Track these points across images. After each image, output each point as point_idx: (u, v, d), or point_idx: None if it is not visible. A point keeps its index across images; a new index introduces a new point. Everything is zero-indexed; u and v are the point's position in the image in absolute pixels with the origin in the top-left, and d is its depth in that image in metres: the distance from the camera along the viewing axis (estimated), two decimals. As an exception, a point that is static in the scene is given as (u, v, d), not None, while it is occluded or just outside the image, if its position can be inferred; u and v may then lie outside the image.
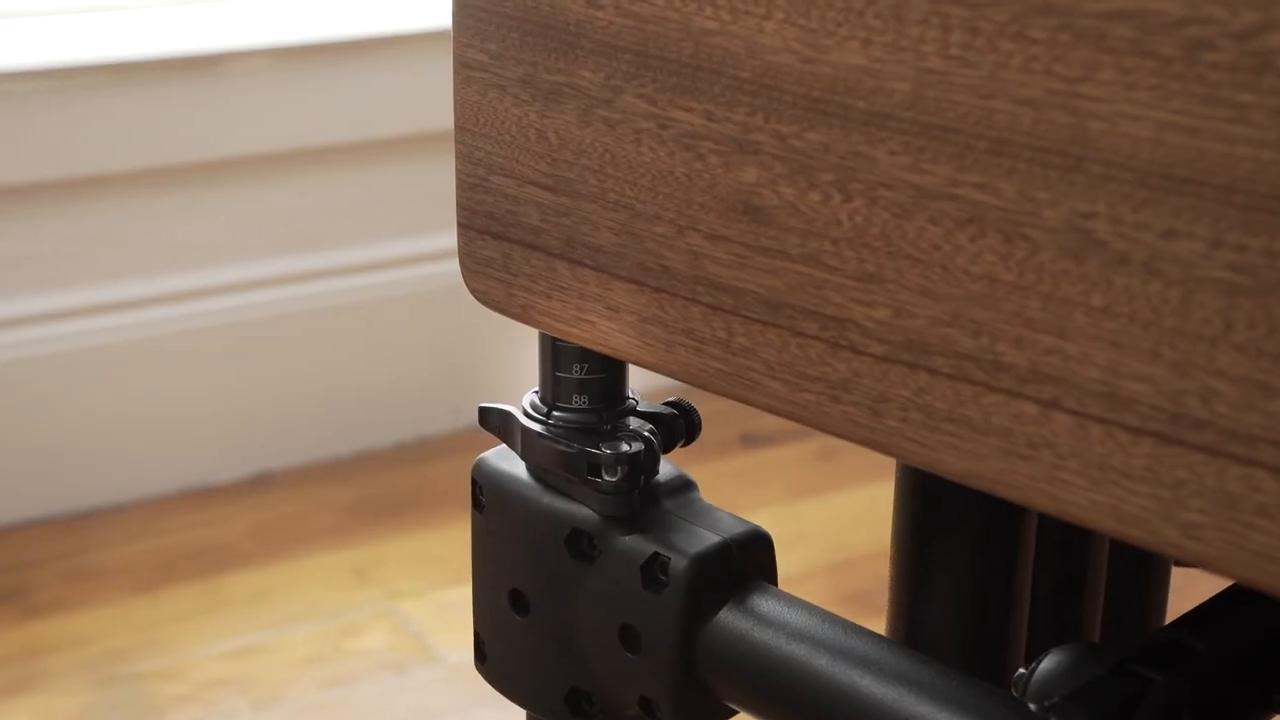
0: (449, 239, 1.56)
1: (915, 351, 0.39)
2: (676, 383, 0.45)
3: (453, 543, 1.40)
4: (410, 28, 1.49)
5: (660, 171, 0.43)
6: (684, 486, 0.50)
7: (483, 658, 0.54)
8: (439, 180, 1.54)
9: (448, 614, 1.30)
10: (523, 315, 0.47)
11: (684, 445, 0.51)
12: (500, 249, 0.48)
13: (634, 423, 0.49)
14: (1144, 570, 0.59)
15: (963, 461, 0.39)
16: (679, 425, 0.50)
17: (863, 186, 0.39)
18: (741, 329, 0.42)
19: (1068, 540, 0.55)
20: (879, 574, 1.43)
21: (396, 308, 1.54)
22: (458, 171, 0.48)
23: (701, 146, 0.42)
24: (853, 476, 1.51)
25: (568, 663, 0.50)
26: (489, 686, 1.33)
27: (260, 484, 1.49)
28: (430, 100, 1.50)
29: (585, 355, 0.48)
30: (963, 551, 0.51)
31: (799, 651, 0.45)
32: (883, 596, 1.53)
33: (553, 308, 0.47)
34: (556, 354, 0.49)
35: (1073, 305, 0.36)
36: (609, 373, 0.49)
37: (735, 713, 0.49)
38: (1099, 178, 0.35)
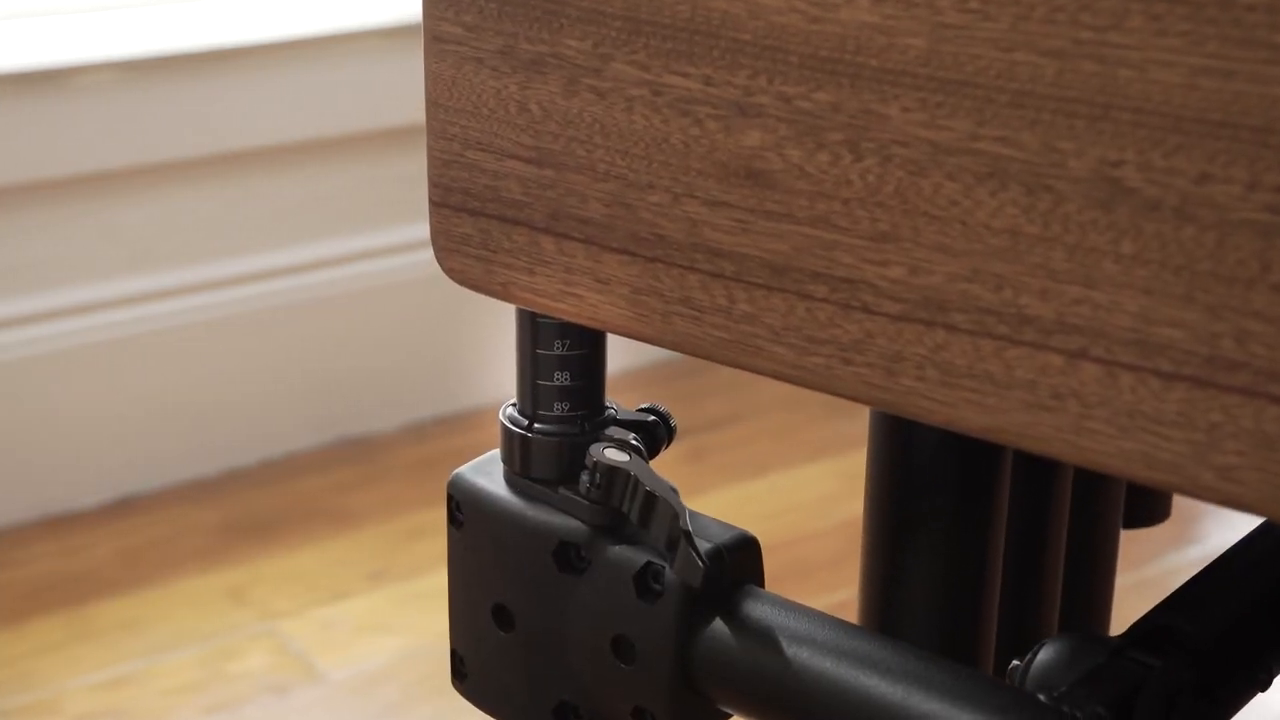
0: (306, 253, 1.53)
1: (932, 309, 0.39)
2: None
3: (328, 559, 1.37)
4: (261, 38, 1.46)
5: (654, 139, 0.42)
6: None
7: (461, 676, 0.53)
8: (293, 195, 1.51)
9: (329, 632, 1.28)
10: (503, 293, 0.46)
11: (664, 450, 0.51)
12: (478, 225, 0.46)
13: (617, 432, 0.49)
14: (1094, 558, 0.60)
15: (984, 417, 0.39)
16: (660, 431, 0.50)
17: (875, 145, 0.39)
18: (744, 295, 0.42)
19: (1027, 530, 0.55)
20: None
21: (254, 323, 1.51)
22: (429, 148, 0.47)
23: (699, 112, 0.41)
24: (722, 477, 1.52)
25: (555, 676, 0.49)
26: (376, 703, 1.29)
27: (123, 508, 1.44)
28: (285, 112, 1.48)
29: (565, 332, 0.47)
30: (935, 543, 0.51)
31: (801, 654, 0.45)
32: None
33: (536, 283, 0.46)
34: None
35: (1101, 254, 0.36)
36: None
37: (728, 716, 0.49)
38: (1128, 125, 0.35)
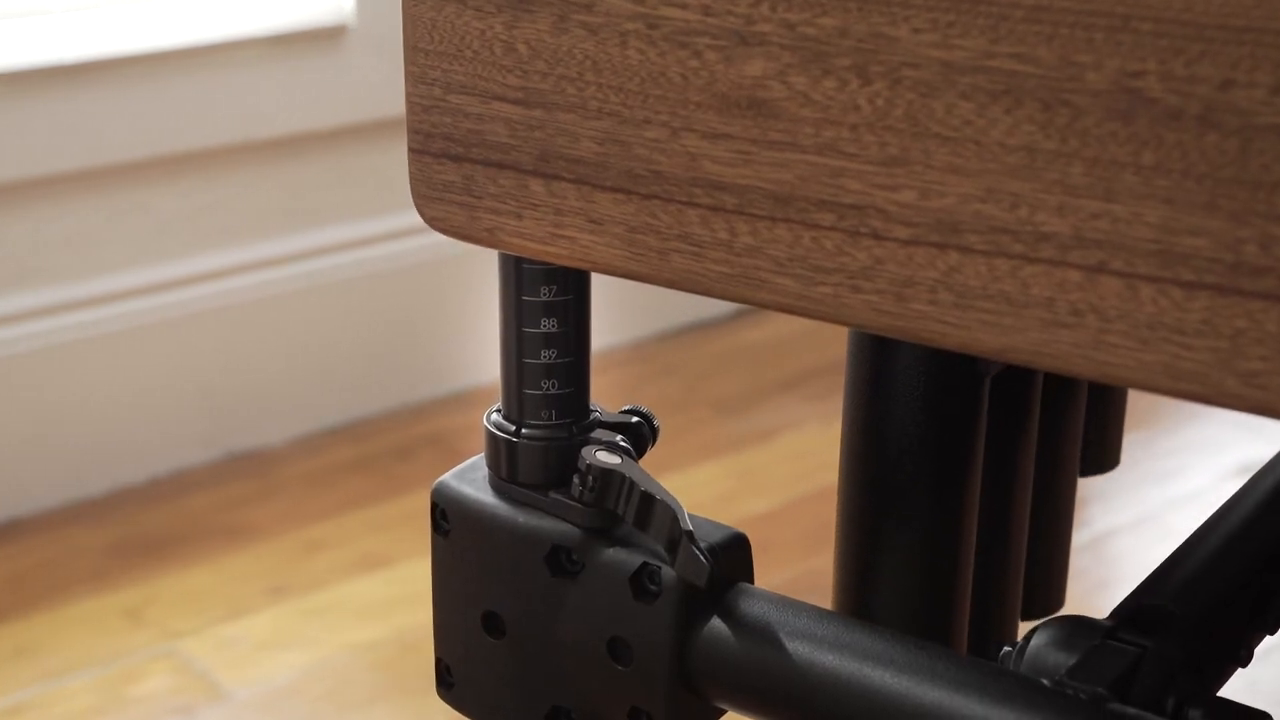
0: (185, 266, 1.49)
1: (945, 231, 0.39)
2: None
3: (225, 576, 1.34)
4: (137, 49, 1.42)
5: (650, 73, 0.42)
6: None
7: (448, 685, 0.52)
8: (171, 208, 1.48)
9: (230, 649, 1.24)
10: (489, 239, 0.45)
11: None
12: (461, 171, 0.45)
13: (604, 434, 0.48)
14: (1050, 521, 0.61)
15: (999, 338, 0.39)
16: (645, 431, 0.50)
17: (884, 68, 0.38)
18: (746, 228, 0.41)
19: (991, 521, 0.56)
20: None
21: (135, 337, 1.47)
22: (408, 95, 0.46)
23: (698, 43, 0.41)
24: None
25: (548, 681, 0.49)
26: None
27: (8, 531, 1.40)
28: (162, 124, 1.45)
29: (552, 277, 0.47)
30: (910, 526, 0.51)
31: (801, 649, 0.45)
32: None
33: (524, 227, 0.45)
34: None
35: (1121, 167, 0.36)
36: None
37: (723, 713, 0.49)
38: (1149, 35, 0.35)
